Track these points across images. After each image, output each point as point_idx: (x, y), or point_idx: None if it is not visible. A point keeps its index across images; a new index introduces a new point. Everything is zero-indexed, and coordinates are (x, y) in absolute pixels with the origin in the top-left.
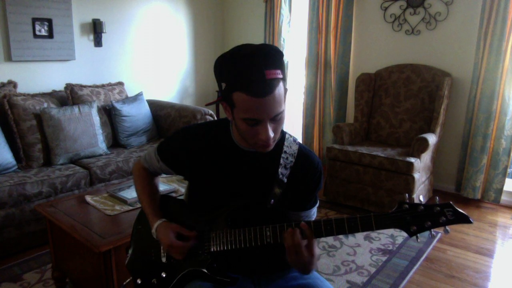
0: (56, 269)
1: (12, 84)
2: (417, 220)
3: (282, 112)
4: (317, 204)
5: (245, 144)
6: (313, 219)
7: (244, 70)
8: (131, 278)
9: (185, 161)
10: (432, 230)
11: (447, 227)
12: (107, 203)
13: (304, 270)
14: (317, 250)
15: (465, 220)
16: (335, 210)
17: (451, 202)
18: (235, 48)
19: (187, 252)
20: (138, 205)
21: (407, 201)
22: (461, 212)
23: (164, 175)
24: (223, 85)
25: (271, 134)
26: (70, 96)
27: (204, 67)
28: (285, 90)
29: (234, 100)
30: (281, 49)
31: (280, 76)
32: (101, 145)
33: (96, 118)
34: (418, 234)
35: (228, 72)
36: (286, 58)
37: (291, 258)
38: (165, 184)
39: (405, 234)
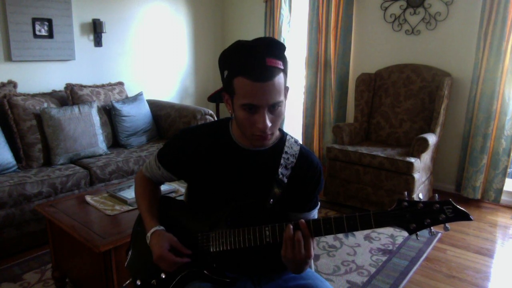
0: (56, 269)
1: (12, 84)
2: (417, 217)
3: (281, 103)
4: (318, 207)
5: (245, 142)
6: None
7: (246, 57)
8: (131, 279)
9: (185, 162)
10: (431, 227)
11: (447, 224)
12: (107, 203)
13: (297, 269)
14: (313, 251)
15: (465, 217)
16: (335, 210)
17: (450, 199)
18: (237, 41)
19: (175, 268)
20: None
21: (406, 198)
22: (461, 209)
23: None
24: (225, 72)
25: (269, 124)
26: (70, 96)
27: (204, 67)
28: (286, 87)
29: (234, 86)
30: None
31: (281, 67)
32: (101, 145)
33: (96, 118)
34: (417, 232)
35: (231, 60)
36: (288, 57)
37: (286, 253)
38: (165, 184)
39: (405, 234)
